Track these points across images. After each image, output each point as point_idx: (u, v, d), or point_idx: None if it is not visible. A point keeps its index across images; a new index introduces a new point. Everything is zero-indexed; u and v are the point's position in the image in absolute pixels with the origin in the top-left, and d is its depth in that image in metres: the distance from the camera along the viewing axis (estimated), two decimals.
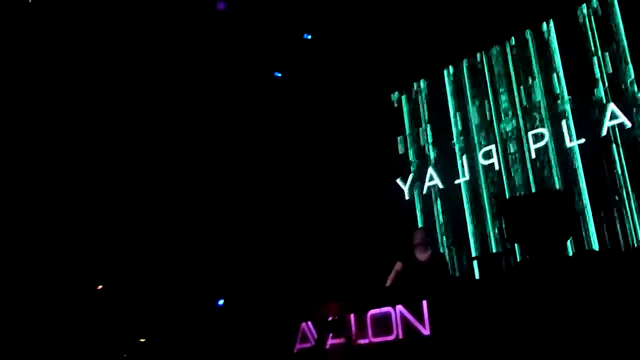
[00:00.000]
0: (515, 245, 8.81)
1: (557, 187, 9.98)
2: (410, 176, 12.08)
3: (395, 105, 12.45)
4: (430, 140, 11.92)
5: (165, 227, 12.04)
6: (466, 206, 11.17)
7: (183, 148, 12.38)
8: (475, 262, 9.73)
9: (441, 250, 11.11)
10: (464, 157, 11.34)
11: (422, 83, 12.09)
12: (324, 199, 12.34)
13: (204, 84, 12.01)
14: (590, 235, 9.54)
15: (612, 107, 9.44)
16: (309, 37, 11.69)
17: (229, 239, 12.21)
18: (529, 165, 10.41)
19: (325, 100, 12.59)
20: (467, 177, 11.23)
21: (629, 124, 9.27)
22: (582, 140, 9.81)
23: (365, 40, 11.75)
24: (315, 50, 11.96)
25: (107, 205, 11.87)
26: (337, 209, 12.23)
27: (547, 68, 10.35)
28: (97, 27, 10.36)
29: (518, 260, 8.87)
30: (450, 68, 11.70)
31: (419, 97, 12.13)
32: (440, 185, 11.61)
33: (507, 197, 10.49)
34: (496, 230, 10.61)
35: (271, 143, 12.83)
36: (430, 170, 11.78)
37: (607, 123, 9.48)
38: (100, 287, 11.44)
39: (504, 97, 10.83)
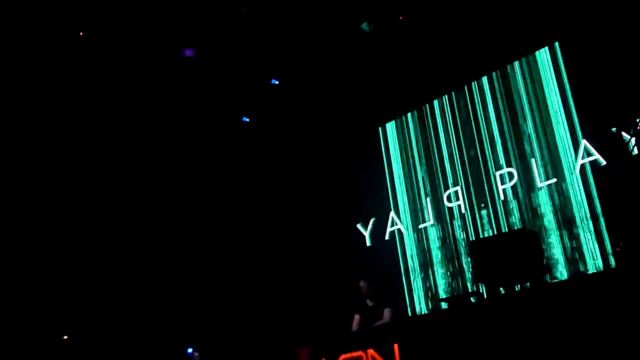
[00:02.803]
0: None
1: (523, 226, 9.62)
2: (371, 221, 11.68)
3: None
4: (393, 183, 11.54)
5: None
6: (433, 249, 10.74)
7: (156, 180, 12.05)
8: (443, 304, 9.35)
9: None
10: (429, 200, 10.95)
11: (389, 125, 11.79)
12: (290, 245, 11.95)
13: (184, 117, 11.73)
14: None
15: (585, 143, 9.13)
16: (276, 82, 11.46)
17: (202, 281, 11.80)
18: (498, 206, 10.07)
19: (288, 144, 12.34)
20: (432, 221, 10.82)
21: (603, 162, 8.94)
22: (554, 180, 9.47)
23: (322, 91, 11.59)
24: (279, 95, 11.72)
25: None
26: (302, 254, 11.83)
27: (512, 107, 10.12)
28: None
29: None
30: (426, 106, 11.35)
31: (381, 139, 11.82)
32: (403, 230, 11.20)
33: (475, 238, 10.07)
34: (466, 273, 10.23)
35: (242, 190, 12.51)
36: (392, 215, 11.38)
37: (580, 161, 9.17)
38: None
39: (468, 139, 10.57)
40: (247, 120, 12.05)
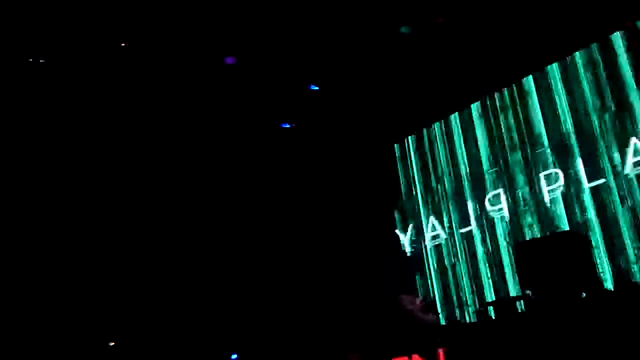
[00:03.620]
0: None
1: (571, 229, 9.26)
2: (410, 227, 11.43)
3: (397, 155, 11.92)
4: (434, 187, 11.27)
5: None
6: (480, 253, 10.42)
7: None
8: (491, 308, 9.08)
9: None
10: (470, 204, 10.64)
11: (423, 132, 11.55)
12: (331, 254, 11.63)
13: (208, 130, 11.50)
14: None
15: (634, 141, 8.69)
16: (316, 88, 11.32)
17: (243, 290, 11.61)
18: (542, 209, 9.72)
19: (322, 152, 12.03)
20: (473, 226, 10.51)
21: None
22: (602, 181, 9.07)
23: (360, 93, 11.22)
24: (317, 100, 11.54)
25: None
26: (346, 261, 11.51)
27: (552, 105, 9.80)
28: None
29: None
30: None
31: (417, 146, 11.61)
32: (444, 235, 10.91)
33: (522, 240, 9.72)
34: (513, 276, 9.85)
35: (274, 195, 12.21)
36: (432, 219, 11.13)
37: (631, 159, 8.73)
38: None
39: (507, 140, 10.27)
40: (288, 126, 11.90)
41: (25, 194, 10.78)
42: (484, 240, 10.32)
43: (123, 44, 9.82)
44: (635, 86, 8.79)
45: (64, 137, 10.74)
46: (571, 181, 9.36)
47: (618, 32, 9.06)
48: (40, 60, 9.50)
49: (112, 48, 9.83)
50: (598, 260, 8.82)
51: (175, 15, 9.54)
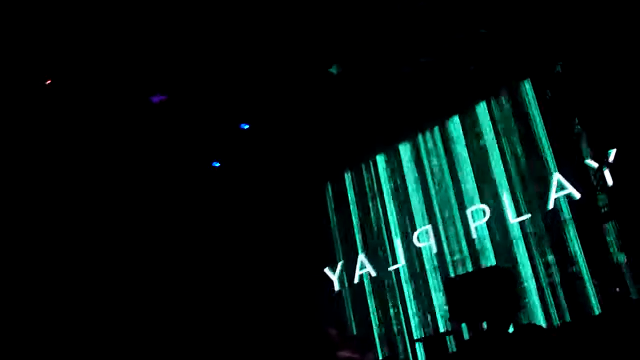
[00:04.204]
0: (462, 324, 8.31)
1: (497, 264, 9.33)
2: (339, 264, 11.34)
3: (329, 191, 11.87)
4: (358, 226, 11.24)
5: None
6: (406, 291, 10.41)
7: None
8: (419, 344, 9.08)
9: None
10: (398, 240, 10.65)
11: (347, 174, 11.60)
12: (261, 294, 11.37)
13: (137, 169, 11.21)
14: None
15: (557, 177, 8.91)
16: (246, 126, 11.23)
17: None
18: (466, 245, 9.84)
19: (250, 191, 11.88)
20: (403, 262, 10.47)
21: (577, 195, 8.74)
22: (528, 216, 9.21)
23: (293, 134, 11.19)
24: (248, 140, 11.46)
25: None
26: (268, 301, 11.27)
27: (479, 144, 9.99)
28: None
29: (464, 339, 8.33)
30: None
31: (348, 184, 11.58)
32: (373, 273, 10.86)
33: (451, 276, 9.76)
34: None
35: (204, 234, 11.93)
36: (361, 258, 11.06)
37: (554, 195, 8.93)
38: None
39: (437, 177, 10.40)
40: (217, 165, 11.74)
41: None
42: (412, 276, 10.38)
43: (48, 81, 9.69)
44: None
45: None
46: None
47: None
48: None
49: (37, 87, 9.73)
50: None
51: (101, 55, 9.49)
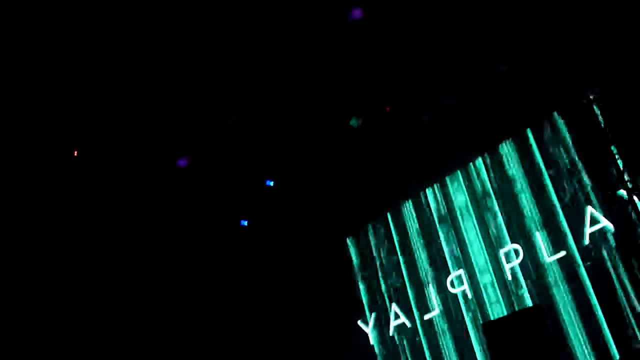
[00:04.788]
0: None
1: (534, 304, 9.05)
2: (372, 316, 11.13)
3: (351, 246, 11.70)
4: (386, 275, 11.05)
5: None
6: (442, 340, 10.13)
7: None
8: None
9: None
10: (431, 287, 10.40)
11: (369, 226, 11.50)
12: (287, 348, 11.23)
13: (166, 230, 11.31)
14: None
15: (590, 210, 8.71)
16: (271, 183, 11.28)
17: None
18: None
19: (278, 247, 11.82)
20: (437, 310, 10.23)
21: (612, 228, 8.48)
22: (563, 253, 8.98)
23: (318, 187, 11.27)
24: (271, 197, 11.46)
25: None
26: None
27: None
28: None
29: None
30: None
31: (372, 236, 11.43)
32: (408, 324, 10.57)
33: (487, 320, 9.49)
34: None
35: (232, 289, 11.89)
36: (395, 308, 10.79)
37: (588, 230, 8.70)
38: None
39: (466, 218, 10.25)
40: (246, 224, 11.76)
41: None
42: (448, 323, 10.15)
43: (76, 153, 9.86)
44: None
45: None
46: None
47: None
48: None
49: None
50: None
51: (126, 119, 9.64)
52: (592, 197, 8.75)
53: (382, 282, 11.09)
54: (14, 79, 8.74)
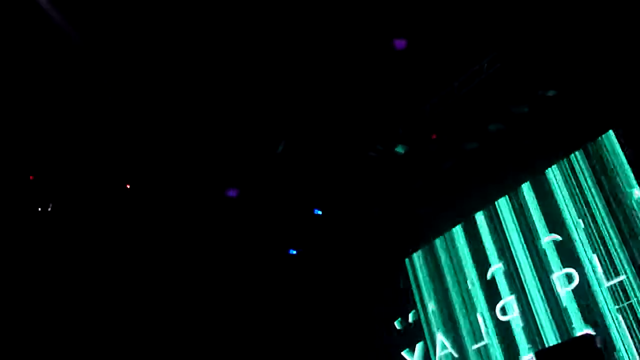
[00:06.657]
0: None
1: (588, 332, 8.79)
2: (419, 346, 10.95)
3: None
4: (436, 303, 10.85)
5: None
6: None
7: None
8: None
9: None
10: (479, 315, 10.20)
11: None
12: None
13: (216, 260, 11.49)
14: None
15: None
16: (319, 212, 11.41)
17: None
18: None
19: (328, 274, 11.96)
20: (486, 341, 10.02)
21: None
22: (620, 278, 8.67)
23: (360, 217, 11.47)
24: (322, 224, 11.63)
25: None
26: None
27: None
28: None
29: None
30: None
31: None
32: (455, 354, 10.36)
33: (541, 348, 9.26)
34: None
35: (282, 320, 11.89)
36: (440, 337, 10.66)
37: None
38: None
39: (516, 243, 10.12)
40: (295, 252, 11.80)
41: None
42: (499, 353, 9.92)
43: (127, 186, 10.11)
44: None
45: None
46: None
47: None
48: None
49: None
50: None
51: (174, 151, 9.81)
52: None
53: (428, 309, 10.93)
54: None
